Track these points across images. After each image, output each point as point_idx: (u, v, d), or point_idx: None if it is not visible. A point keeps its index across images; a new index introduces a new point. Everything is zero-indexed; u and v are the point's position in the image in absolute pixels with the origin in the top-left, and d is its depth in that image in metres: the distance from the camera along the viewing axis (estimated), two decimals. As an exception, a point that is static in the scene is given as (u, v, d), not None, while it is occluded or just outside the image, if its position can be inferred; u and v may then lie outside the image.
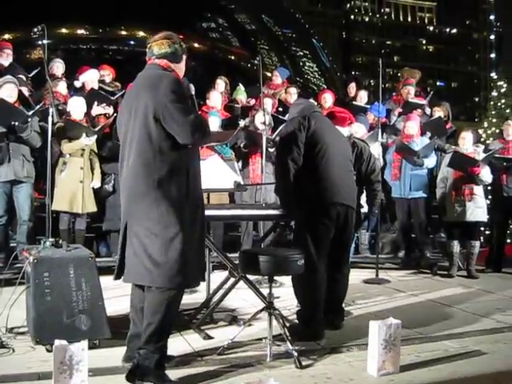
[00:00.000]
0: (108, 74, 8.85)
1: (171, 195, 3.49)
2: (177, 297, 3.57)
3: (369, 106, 9.23)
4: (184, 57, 3.80)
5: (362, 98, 9.69)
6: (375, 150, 7.43)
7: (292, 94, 9.32)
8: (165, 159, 3.50)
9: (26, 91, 7.49)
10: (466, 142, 7.64)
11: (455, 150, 7.63)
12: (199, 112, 3.89)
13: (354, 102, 9.53)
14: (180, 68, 3.78)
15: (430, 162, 8.01)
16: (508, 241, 8.68)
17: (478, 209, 7.46)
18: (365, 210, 5.84)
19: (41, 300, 4.10)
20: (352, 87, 10.19)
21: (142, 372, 3.45)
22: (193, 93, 3.73)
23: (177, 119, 3.45)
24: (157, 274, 3.46)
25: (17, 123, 6.55)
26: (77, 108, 7.25)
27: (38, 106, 6.75)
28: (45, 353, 4.00)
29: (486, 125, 19.26)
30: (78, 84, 8.48)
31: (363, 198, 5.79)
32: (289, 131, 4.76)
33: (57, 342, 3.32)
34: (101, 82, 8.49)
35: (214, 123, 7.60)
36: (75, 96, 7.61)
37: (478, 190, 7.50)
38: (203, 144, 3.74)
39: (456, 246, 7.62)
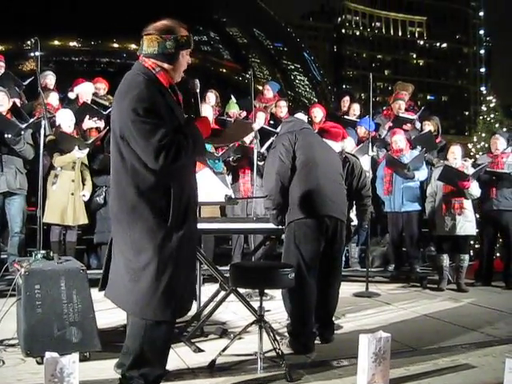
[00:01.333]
0: (103, 87, 8.88)
1: (145, 220, 3.17)
2: (156, 329, 3.27)
3: (358, 120, 9.28)
4: (182, 52, 3.31)
5: (355, 110, 9.73)
6: (364, 162, 7.47)
7: (282, 107, 9.36)
8: (138, 180, 3.17)
9: (18, 102, 7.50)
10: (456, 156, 7.70)
11: (445, 164, 7.68)
12: (202, 117, 3.40)
13: (345, 116, 9.59)
14: (174, 67, 3.32)
15: (421, 174, 8.05)
16: (497, 254, 8.71)
17: (467, 222, 7.50)
18: (355, 223, 5.88)
19: (32, 312, 4.09)
20: (346, 100, 10.24)
21: None
22: (197, 90, 3.44)
23: (138, 143, 3.09)
24: (131, 301, 3.26)
25: (10, 135, 6.55)
26: (65, 120, 7.23)
27: (32, 120, 6.74)
28: (35, 365, 3.99)
29: (475, 139, 19.37)
30: (72, 95, 8.50)
31: (353, 212, 5.82)
32: (276, 147, 4.82)
33: (47, 355, 3.31)
34: (94, 94, 8.51)
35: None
36: (62, 109, 7.61)
37: (468, 204, 7.55)
38: (182, 163, 3.17)
39: (446, 260, 7.66)
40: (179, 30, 3.31)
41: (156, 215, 3.18)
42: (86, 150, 7.12)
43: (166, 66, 3.30)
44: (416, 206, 8.07)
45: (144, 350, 3.27)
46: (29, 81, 8.36)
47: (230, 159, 7.98)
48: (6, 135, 6.56)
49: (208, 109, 8.59)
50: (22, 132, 6.64)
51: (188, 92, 3.48)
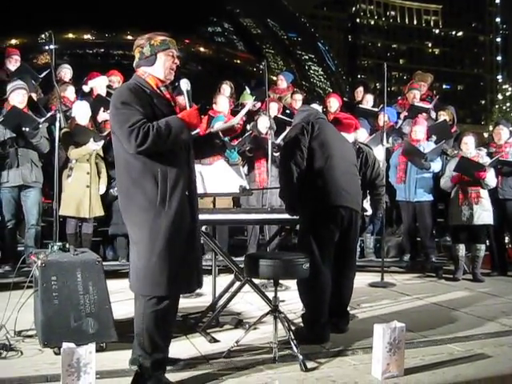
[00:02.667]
0: (118, 80, 8.90)
1: (138, 202, 3.47)
2: (154, 305, 3.46)
3: (377, 109, 9.24)
4: (159, 54, 3.62)
5: (369, 101, 9.71)
6: (378, 152, 7.45)
7: (297, 101, 9.35)
8: (130, 167, 3.50)
9: (35, 97, 7.54)
10: (469, 147, 7.66)
11: (459, 156, 7.63)
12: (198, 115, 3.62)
13: (360, 106, 9.56)
14: (157, 68, 3.63)
15: (436, 166, 8.00)
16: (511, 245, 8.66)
17: (484, 212, 7.46)
18: (368, 213, 5.87)
19: (49, 303, 4.14)
20: (360, 91, 10.22)
21: (142, 379, 3.45)
22: (188, 88, 3.71)
23: (117, 132, 3.50)
24: (134, 281, 3.53)
25: (27, 129, 6.60)
26: (81, 113, 7.27)
27: (49, 114, 6.78)
28: (52, 355, 4.04)
29: (490, 128, 19.22)
30: (86, 89, 8.53)
31: (367, 202, 5.81)
32: (292, 136, 4.81)
33: (64, 345, 3.35)
34: (108, 87, 8.54)
35: (222, 127, 7.63)
36: (79, 101, 7.64)
37: (484, 193, 7.51)
38: (158, 147, 3.42)
39: (462, 250, 7.64)
40: (153, 37, 3.66)
41: (146, 197, 3.45)
42: (102, 142, 7.14)
43: (149, 69, 3.65)
44: (428, 197, 8.02)
45: (150, 331, 3.46)
46: (45, 73, 8.40)
47: (246, 150, 7.99)
48: (23, 128, 6.60)
49: (224, 100, 8.60)
50: (40, 126, 6.67)
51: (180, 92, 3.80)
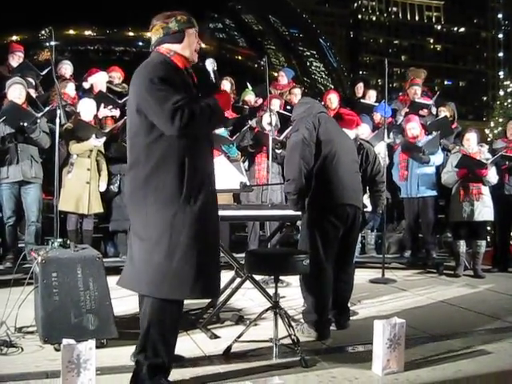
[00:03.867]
0: (119, 76, 8.89)
1: (160, 191, 3.19)
2: (166, 308, 3.26)
3: (376, 105, 9.25)
4: (189, 31, 3.39)
5: (371, 97, 9.71)
6: (380, 149, 7.45)
7: (296, 95, 9.37)
8: (151, 153, 3.20)
9: (33, 93, 7.54)
10: (471, 143, 7.66)
11: (462, 151, 7.63)
12: (222, 92, 3.43)
13: (362, 100, 9.56)
14: (185, 46, 3.38)
15: (437, 158, 8.01)
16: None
17: (485, 208, 7.47)
18: (368, 209, 5.86)
19: (49, 300, 4.14)
20: (360, 87, 10.22)
21: (140, 380, 3.34)
22: (215, 68, 3.52)
23: (154, 110, 3.14)
24: (144, 281, 3.24)
25: (26, 124, 6.60)
26: (87, 110, 7.29)
27: (47, 108, 6.78)
28: (53, 352, 4.04)
29: (492, 124, 19.20)
30: (86, 85, 8.53)
31: (367, 199, 5.80)
32: (300, 130, 4.71)
33: (65, 341, 3.35)
34: (109, 83, 8.53)
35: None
36: (85, 98, 7.63)
37: (485, 190, 7.52)
38: (199, 130, 3.21)
39: (462, 246, 7.63)
40: (177, 14, 3.40)
41: (169, 187, 3.19)
42: (103, 139, 7.15)
43: (176, 47, 3.38)
44: (432, 192, 8.02)
45: (151, 331, 3.27)
46: (46, 71, 8.39)
47: (248, 146, 7.99)
48: (21, 123, 6.60)
49: (225, 96, 8.57)
50: (38, 120, 6.67)
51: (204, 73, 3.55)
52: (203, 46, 3.50)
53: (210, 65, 3.51)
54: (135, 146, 3.30)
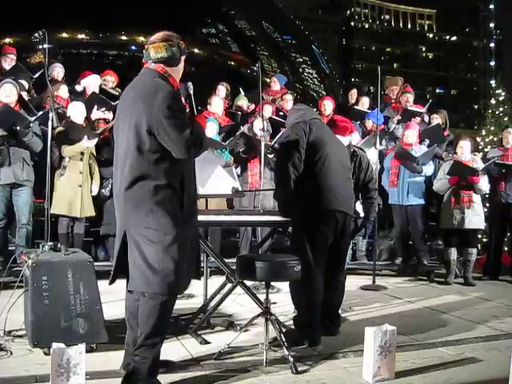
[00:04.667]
0: (113, 80, 8.87)
1: (166, 203, 3.48)
2: (170, 302, 3.56)
3: (369, 111, 9.26)
4: (182, 58, 3.69)
5: (365, 104, 9.72)
6: (371, 155, 7.46)
7: (288, 101, 9.38)
8: (159, 169, 3.47)
9: (25, 96, 7.51)
10: (465, 151, 7.68)
11: (454, 159, 7.66)
12: (198, 116, 3.71)
13: (355, 107, 9.57)
14: (177, 70, 3.69)
15: (428, 169, 8.02)
16: (505, 248, 8.67)
17: (476, 216, 7.49)
18: (360, 215, 5.87)
19: (39, 303, 4.12)
20: (353, 93, 10.24)
21: (136, 378, 3.43)
22: (191, 92, 3.69)
23: (171, 136, 3.41)
24: (154, 281, 3.44)
25: (18, 128, 6.57)
26: (77, 113, 7.26)
27: (40, 112, 6.75)
28: (42, 356, 4.02)
29: (483, 133, 19.26)
30: (79, 88, 8.51)
31: (359, 205, 5.80)
32: (290, 137, 4.73)
33: (54, 345, 3.34)
34: (103, 85, 8.52)
35: (212, 129, 7.65)
36: (75, 101, 7.61)
37: (476, 198, 7.54)
38: (199, 155, 3.68)
39: (453, 254, 7.65)
40: (179, 38, 3.68)
41: (174, 199, 3.51)
42: (95, 140, 7.13)
43: (172, 69, 3.65)
44: (420, 201, 8.04)
45: (158, 327, 3.48)
46: (39, 73, 8.37)
47: (240, 151, 7.99)
48: (14, 127, 6.57)
49: (218, 101, 8.61)
50: (31, 124, 6.64)
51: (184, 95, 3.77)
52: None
53: (190, 89, 3.70)
54: (139, 160, 3.49)
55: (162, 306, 3.47)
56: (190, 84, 3.70)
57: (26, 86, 7.93)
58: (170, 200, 3.49)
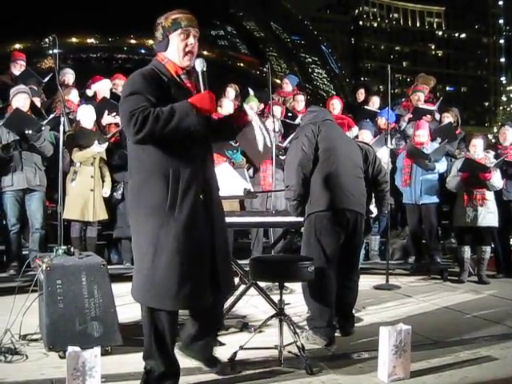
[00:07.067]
0: (122, 83, 8.89)
1: (147, 203, 3.24)
2: (157, 317, 3.29)
3: (379, 111, 9.24)
4: (172, 35, 3.33)
5: (375, 103, 9.71)
6: (383, 155, 7.44)
7: (299, 102, 9.39)
8: (142, 165, 3.27)
9: (37, 101, 7.55)
10: (477, 149, 7.63)
11: (467, 156, 7.62)
12: (202, 94, 3.26)
13: (365, 107, 9.56)
14: (172, 51, 3.35)
15: (441, 166, 7.98)
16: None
17: (489, 214, 7.45)
18: (374, 215, 5.85)
19: (54, 307, 4.14)
20: (361, 93, 10.23)
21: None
22: (204, 69, 3.32)
23: (121, 122, 3.26)
24: (135, 288, 3.33)
25: (30, 132, 6.61)
26: (86, 116, 7.28)
27: (51, 116, 6.79)
28: (58, 359, 4.03)
29: (495, 130, 19.20)
30: (89, 93, 8.55)
31: (372, 204, 5.78)
32: (300, 138, 4.79)
33: (70, 349, 3.35)
34: (114, 89, 8.55)
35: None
36: (84, 105, 7.64)
37: (490, 195, 7.49)
38: (158, 134, 3.10)
39: (467, 252, 7.61)
40: (168, 16, 3.35)
41: (154, 200, 3.22)
42: (106, 145, 7.15)
43: (166, 54, 3.37)
44: (434, 199, 8.00)
45: (150, 339, 3.32)
46: (48, 78, 8.42)
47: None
48: (26, 131, 6.61)
49: (228, 103, 8.61)
50: (43, 128, 6.68)
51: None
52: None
53: (199, 65, 3.35)
54: (129, 157, 3.40)
55: (148, 318, 3.30)
56: (200, 60, 3.35)
57: (39, 92, 7.98)
58: (150, 200, 3.23)
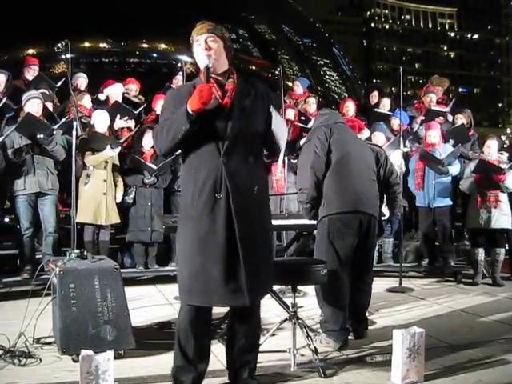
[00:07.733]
0: (135, 88, 8.94)
1: (181, 204, 3.47)
2: (182, 311, 3.38)
3: (391, 114, 9.21)
4: (194, 49, 3.38)
5: (386, 105, 9.67)
6: (396, 158, 7.41)
7: (311, 104, 9.36)
8: (182, 169, 3.53)
9: (50, 106, 7.59)
10: (491, 150, 7.59)
11: (480, 157, 7.58)
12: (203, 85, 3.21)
13: (376, 109, 9.53)
14: (198, 64, 3.37)
15: (454, 169, 7.93)
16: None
17: (503, 216, 7.40)
18: (386, 217, 5.82)
19: (67, 311, 4.15)
20: (375, 95, 10.21)
21: None
22: (209, 65, 3.25)
23: None
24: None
25: (41, 136, 6.64)
26: (100, 121, 7.33)
27: (63, 120, 6.83)
28: (71, 363, 4.05)
29: (508, 131, 19.11)
30: (102, 97, 8.58)
31: (385, 207, 5.76)
32: (312, 140, 4.79)
33: (83, 352, 3.36)
34: (126, 94, 8.58)
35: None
36: (99, 109, 7.68)
37: (503, 197, 7.44)
38: (166, 145, 3.24)
39: (481, 254, 7.56)
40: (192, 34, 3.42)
41: (182, 200, 3.43)
42: (118, 149, 7.18)
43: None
44: (447, 201, 7.95)
45: (177, 335, 3.40)
46: (61, 82, 8.46)
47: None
48: (38, 135, 6.64)
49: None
50: (54, 132, 6.71)
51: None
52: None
53: (204, 62, 3.29)
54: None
55: (180, 314, 3.40)
56: (205, 57, 3.30)
57: (51, 96, 8.02)
58: (182, 201, 3.42)
